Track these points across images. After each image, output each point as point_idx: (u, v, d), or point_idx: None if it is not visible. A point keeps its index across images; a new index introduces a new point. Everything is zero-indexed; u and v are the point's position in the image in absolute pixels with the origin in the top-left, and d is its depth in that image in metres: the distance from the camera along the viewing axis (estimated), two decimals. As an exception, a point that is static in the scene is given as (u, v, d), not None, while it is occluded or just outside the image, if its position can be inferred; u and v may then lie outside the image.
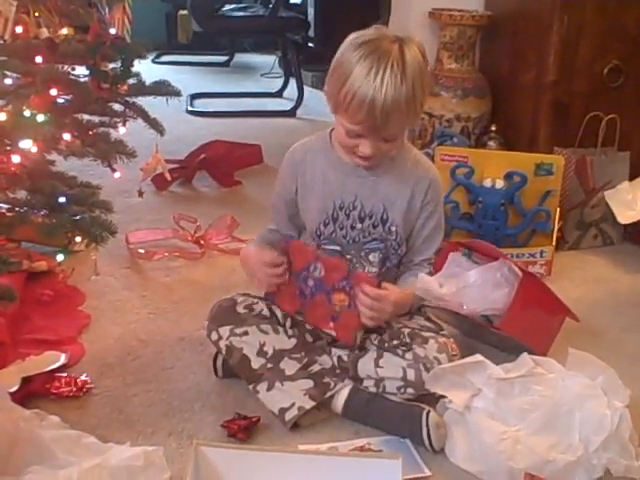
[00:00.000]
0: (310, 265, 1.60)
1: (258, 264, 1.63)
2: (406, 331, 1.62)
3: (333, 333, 1.62)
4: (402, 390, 1.55)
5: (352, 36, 1.53)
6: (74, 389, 1.62)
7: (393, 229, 1.66)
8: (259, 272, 1.63)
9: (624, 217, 2.49)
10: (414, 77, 1.47)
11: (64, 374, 1.66)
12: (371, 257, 1.67)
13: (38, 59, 1.81)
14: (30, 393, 1.58)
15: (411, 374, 1.54)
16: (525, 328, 1.69)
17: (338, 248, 1.67)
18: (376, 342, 1.63)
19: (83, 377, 1.66)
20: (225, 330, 1.59)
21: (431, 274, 1.71)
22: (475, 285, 1.70)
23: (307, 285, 1.62)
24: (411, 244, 1.71)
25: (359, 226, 1.66)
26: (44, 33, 1.89)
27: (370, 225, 1.67)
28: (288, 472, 1.27)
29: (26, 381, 1.58)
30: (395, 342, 1.60)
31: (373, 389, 1.57)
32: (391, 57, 1.46)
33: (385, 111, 1.46)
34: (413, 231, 1.70)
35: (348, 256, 1.67)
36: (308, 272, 1.61)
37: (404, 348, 1.58)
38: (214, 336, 1.61)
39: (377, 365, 1.57)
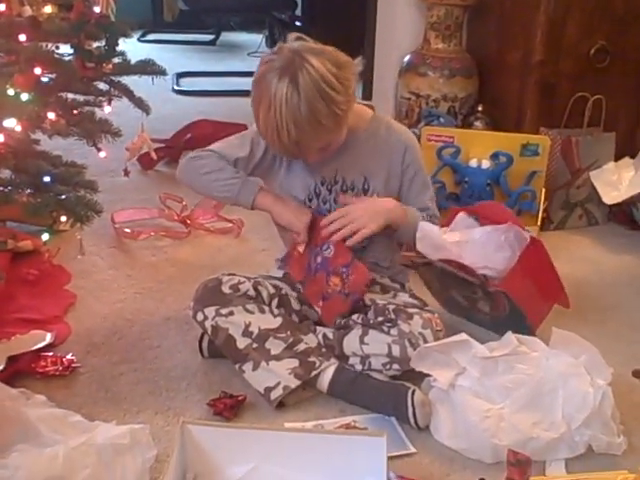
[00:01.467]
0: (325, 244, 1.63)
1: (297, 219, 1.64)
2: (391, 307, 1.63)
3: (319, 311, 1.66)
4: (387, 366, 1.56)
5: (260, 63, 1.56)
6: (60, 368, 1.62)
7: (375, 197, 1.69)
8: (302, 211, 1.65)
9: (609, 197, 2.51)
10: (311, 98, 1.47)
11: (50, 353, 1.66)
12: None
13: (22, 37, 1.80)
14: (16, 372, 1.58)
15: (396, 350, 1.55)
16: (522, 293, 1.70)
17: None
18: (360, 320, 1.64)
19: (69, 356, 1.66)
20: (210, 311, 1.59)
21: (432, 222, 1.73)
22: (479, 242, 1.71)
23: (315, 261, 1.65)
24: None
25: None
26: (27, 11, 1.87)
27: (353, 197, 1.68)
28: (274, 450, 1.28)
29: (12, 360, 1.58)
30: (380, 318, 1.61)
31: (359, 366, 1.58)
32: (285, 87, 1.47)
33: (292, 140, 1.50)
34: (401, 197, 1.72)
35: None
36: (321, 249, 1.64)
37: (389, 324, 1.59)
38: (200, 317, 1.61)
39: (362, 342, 1.58)
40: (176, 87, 4.09)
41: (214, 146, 1.70)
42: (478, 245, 1.71)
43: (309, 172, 1.68)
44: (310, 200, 1.69)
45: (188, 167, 1.70)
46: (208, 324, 1.60)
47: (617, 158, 2.58)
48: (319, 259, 1.65)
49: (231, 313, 1.58)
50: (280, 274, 1.76)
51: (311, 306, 1.69)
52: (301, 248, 1.66)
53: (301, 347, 1.58)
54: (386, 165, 1.69)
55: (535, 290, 1.75)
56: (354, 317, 1.65)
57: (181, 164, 1.73)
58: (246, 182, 1.65)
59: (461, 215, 1.81)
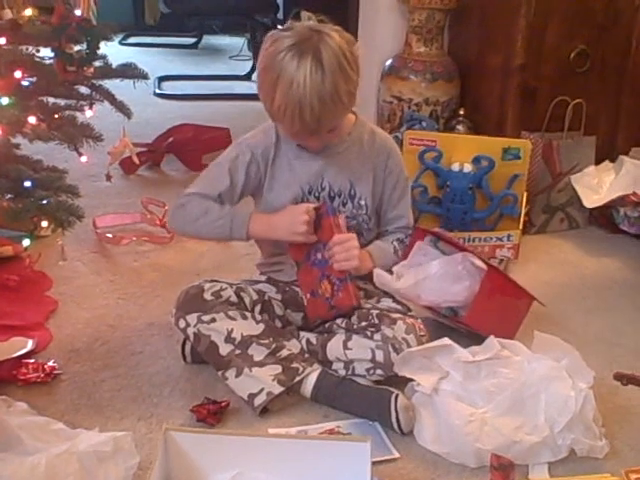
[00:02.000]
0: (328, 245, 1.62)
1: (294, 213, 1.61)
2: (374, 312, 1.64)
3: (305, 302, 1.67)
4: (371, 371, 1.57)
5: (269, 41, 1.53)
6: (42, 375, 1.61)
7: (362, 203, 1.70)
8: (294, 227, 1.61)
9: (590, 201, 2.53)
10: (334, 73, 1.49)
11: (31, 360, 1.65)
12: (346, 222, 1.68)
13: (1, 40, 1.78)
14: (-4, 379, 1.57)
15: (380, 355, 1.56)
16: (490, 320, 1.71)
17: None
18: (344, 324, 1.64)
19: (51, 363, 1.65)
20: (193, 317, 1.58)
21: (403, 246, 1.76)
22: (435, 277, 1.71)
23: (315, 254, 1.64)
24: (382, 215, 1.76)
25: None
26: (7, 14, 1.85)
27: (340, 203, 1.69)
28: (258, 456, 1.28)
29: (-7, 367, 1.57)
30: (364, 323, 1.62)
31: (342, 371, 1.59)
32: (308, 62, 1.47)
33: (315, 116, 1.50)
34: (382, 203, 1.74)
35: None
36: (323, 247, 1.63)
37: (372, 329, 1.59)
38: (182, 324, 1.60)
39: (346, 347, 1.58)
40: (158, 91, 4.07)
41: (194, 187, 1.66)
42: (435, 280, 1.71)
43: (294, 181, 1.67)
44: None
45: (176, 218, 1.69)
46: (190, 331, 1.59)
47: (597, 162, 2.60)
48: (319, 255, 1.64)
49: (213, 320, 1.57)
50: (263, 278, 1.75)
51: (296, 309, 1.70)
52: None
53: (284, 353, 1.57)
54: (371, 169, 1.70)
55: (503, 312, 1.77)
56: (338, 321, 1.66)
57: (169, 216, 1.75)
58: (235, 217, 1.63)
59: (418, 244, 1.79)
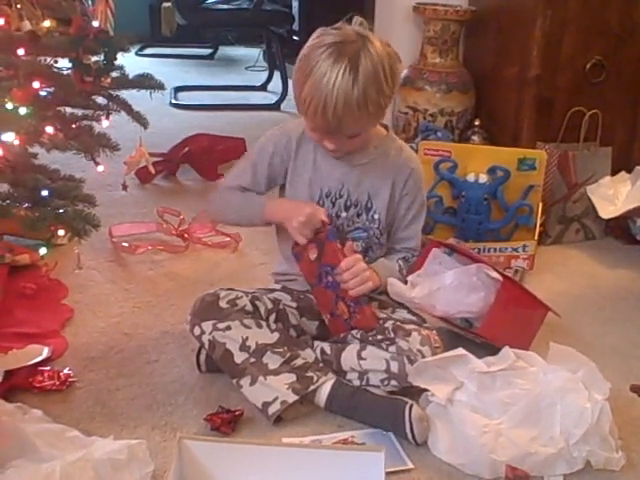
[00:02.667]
0: (336, 268, 1.61)
1: (297, 210, 1.62)
2: (389, 324, 1.63)
3: (326, 321, 1.68)
4: (385, 382, 1.56)
5: (318, 33, 1.56)
6: (57, 383, 1.61)
7: (376, 217, 1.70)
8: (296, 217, 1.61)
9: (606, 212, 2.52)
10: (366, 81, 1.49)
11: (47, 368, 1.65)
12: (354, 246, 1.68)
13: (20, 52, 1.80)
14: (13, 387, 1.57)
15: (394, 366, 1.55)
16: (505, 331, 1.70)
17: None
18: (358, 335, 1.64)
19: (66, 371, 1.66)
20: (208, 325, 1.59)
21: (408, 265, 1.75)
22: (450, 287, 1.71)
23: (326, 277, 1.64)
24: (392, 233, 1.75)
25: (344, 214, 1.69)
26: (26, 26, 1.87)
27: (355, 214, 1.69)
28: (272, 465, 1.27)
29: (9, 375, 1.58)
30: (379, 337, 1.61)
31: (357, 382, 1.58)
32: (345, 61, 1.49)
33: (337, 116, 1.50)
34: (394, 220, 1.74)
35: None
36: (331, 270, 1.62)
37: (387, 342, 1.59)
38: (197, 331, 1.61)
39: (360, 357, 1.58)
40: (174, 101, 4.10)
41: (225, 181, 1.79)
42: (450, 291, 1.71)
43: (316, 181, 1.68)
44: None
45: (211, 210, 1.87)
46: (205, 338, 1.59)
47: (613, 173, 2.58)
48: (330, 278, 1.63)
49: (228, 328, 1.58)
50: (278, 287, 1.76)
51: (311, 318, 1.70)
52: (312, 255, 1.63)
53: (299, 362, 1.57)
54: (390, 185, 1.70)
55: (518, 323, 1.76)
56: (353, 332, 1.65)
57: (208, 207, 1.87)
58: (254, 200, 1.70)
59: (435, 251, 1.80)
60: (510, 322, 1.73)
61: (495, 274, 1.71)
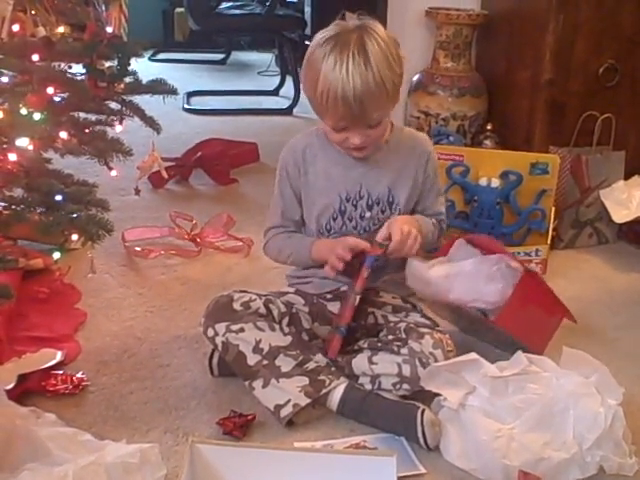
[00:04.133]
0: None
1: (339, 244, 1.62)
2: (402, 326, 1.63)
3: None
4: (397, 386, 1.56)
5: (317, 36, 1.58)
6: (70, 387, 1.62)
7: (399, 208, 1.71)
8: (336, 249, 1.61)
9: (619, 216, 2.50)
10: (377, 61, 1.51)
11: (60, 371, 1.66)
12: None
13: (35, 57, 1.81)
14: (26, 390, 1.58)
15: (406, 370, 1.55)
16: (521, 326, 1.69)
17: None
18: (367, 345, 1.64)
19: (79, 375, 1.66)
20: (221, 327, 1.60)
21: (440, 230, 1.76)
22: (468, 275, 1.70)
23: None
24: (418, 212, 1.76)
25: (368, 214, 1.70)
26: (41, 31, 1.88)
27: (378, 211, 1.70)
28: (283, 469, 1.28)
29: (22, 379, 1.59)
30: (391, 337, 1.61)
31: (369, 386, 1.58)
32: (351, 47, 1.51)
33: (359, 99, 1.51)
34: (418, 202, 1.75)
35: None
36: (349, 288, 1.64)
37: (399, 344, 1.58)
38: (210, 332, 1.61)
39: (371, 362, 1.58)
40: (187, 106, 4.12)
41: (268, 221, 1.77)
42: (467, 277, 1.70)
43: (331, 189, 1.69)
44: (335, 219, 1.70)
45: (268, 254, 1.80)
46: (219, 340, 1.60)
47: (627, 177, 2.57)
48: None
49: (242, 330, 1.58)
50: (292, 290, 1.76)
51: (323, 322, 1.70)
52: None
53: (311, 365, 1.58)
54: (412, 174, 1.71)
55: (535, 319, 1.75)
56: (360, 342, 1.65)
57: (266, 254, 1.82)
58: (301, 249, 1.71)
59: (460, 241, 1.80)
60: (527, 317, 1.71)
61: (516, 264, 1.70)
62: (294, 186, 1.72)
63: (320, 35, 1.57)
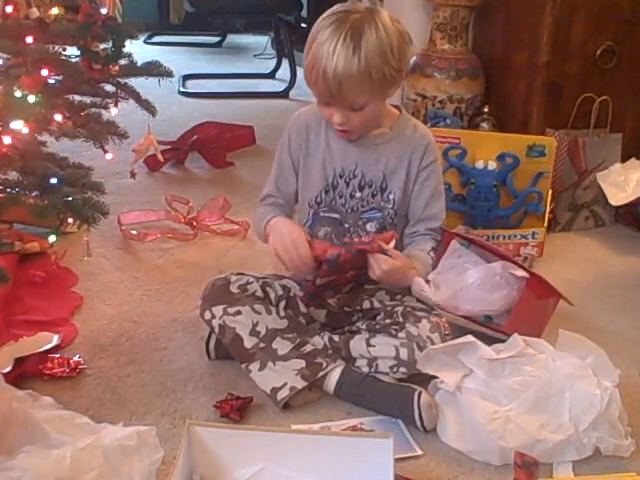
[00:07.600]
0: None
1: (292, 249, 1.58)
2: (399, 310, 1.63)
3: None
4: (395, 369, 1.56)
5: (332, 8, 1.59)
6: (67, 370, 1.62)
7: (391, 197, 1.70)
8: (289, 255, 1.59)
9: (616, 199, 2.50)
10: (369, 49, 1.51)
11: (57, 355, 1.66)
12: (368, 226, 1.70)
13: (29, 39, 1.79)
14: (23, 374, 1.58)
15: (404, 353, 1.55)
16: (527, 325, 1.69)
17: (337, 216, 1.71)
18: (364, 326, 1.64)
19: (76, 358, 1.66)
20: (218, 309, 1.60)
21: (434, 252, 1.73)
22: (473, 286, 1.69)
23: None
24: (413, 213, 1.74)
25: (358, 195, 1.70)
26: (34, 13, 1.87)
27: (369, 194, 1.70)
28: (281, 452, 1.28)
29: (19, 362, 1.59)
30: (388, 321, 1.62)
31: (366, 368, 1.58)
32: (347, 28, 1.51)
33: (337, 80, 1.52)
34: (411, 199, 1.72)
35: (346, 225, 1.70)
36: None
37: (396, 327, 1.59)
38: (207, 315, 1.61)
39: (369, 344, 1.58)
40: (182, 89, 4.09)
41: (265, 189, 1.78)
42: (472, 290, 1.69)
43: (329, 161, 1.69)
44: (327, 192, 1.70)
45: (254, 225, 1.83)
46: (215, 323, 1.60)
47: (624, 159, 2.57)
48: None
49: (239, 312, 1.58)
50: (288, 274, 1.75)
51: (317, 306, 1.69)
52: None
53: (308, 348, 1.58)
54: (406, 165, 1.70)
55: (536, 314, 1.75)
56: (359, 324, 1.65)
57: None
58: (264, 216, 1.70)
59: (453, 244, 1.78)
60: (531, 316, 1.73)
61: (521, 272, 1.70)
62: (294, 155, 1.72)
63: (332, 8, 1.58)
